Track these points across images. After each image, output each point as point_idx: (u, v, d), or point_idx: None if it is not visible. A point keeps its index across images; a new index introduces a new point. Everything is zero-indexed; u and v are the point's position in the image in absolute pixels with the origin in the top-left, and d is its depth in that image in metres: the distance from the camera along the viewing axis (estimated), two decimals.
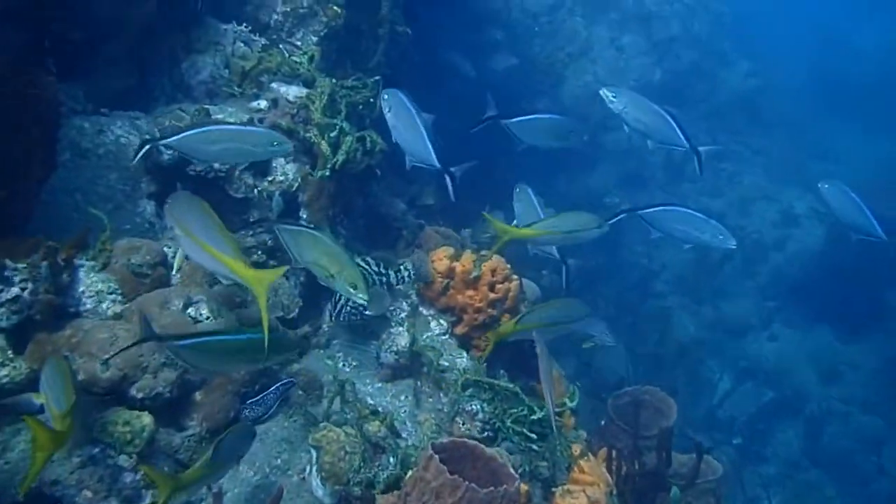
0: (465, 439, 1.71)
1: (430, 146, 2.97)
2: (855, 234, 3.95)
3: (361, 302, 2.40)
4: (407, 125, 3.02)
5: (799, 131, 9.58)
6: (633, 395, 3.63)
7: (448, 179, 2.98)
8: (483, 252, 3.40)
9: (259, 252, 3.34)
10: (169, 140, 2.59)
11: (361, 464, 2.19)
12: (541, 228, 3.02)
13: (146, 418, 2.23)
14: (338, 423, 2.33)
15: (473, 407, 2.67)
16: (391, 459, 2.24)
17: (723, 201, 8.58)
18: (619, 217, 3.46)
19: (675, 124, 3.41)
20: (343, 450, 2.20)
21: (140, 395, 2.30)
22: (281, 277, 3.26)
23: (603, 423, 3.62)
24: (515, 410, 2.66)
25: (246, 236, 3.36)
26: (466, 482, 1.55)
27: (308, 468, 2.33)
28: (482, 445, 1.70)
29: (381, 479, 2.17)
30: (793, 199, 8.25)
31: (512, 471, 1.64)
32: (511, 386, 2.77)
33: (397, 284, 3.24)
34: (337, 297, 3.10)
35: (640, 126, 3.52)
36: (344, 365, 3.17)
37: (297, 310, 3.22)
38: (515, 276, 3.44)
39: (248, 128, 2.75)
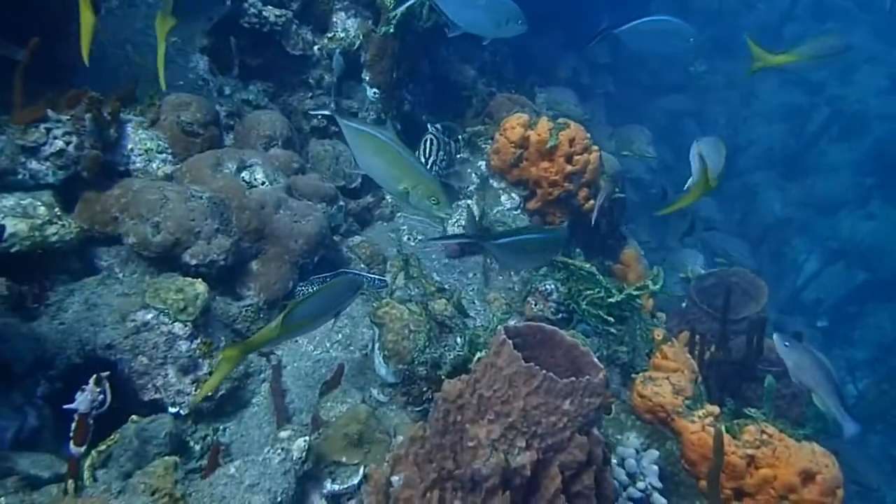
0: (543, 324, 1.51)
1: None
2: None
3: (444, 217, 2.19)
4: None
5: None
6: (719, 276, 3.34)
7: None
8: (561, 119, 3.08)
9: (319, 118, 3.16)
10: None
11: (426, 343, 2.03)
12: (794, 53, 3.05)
13: (200, 286, 2.08)
14: (402, 300, 2.16)
15: (547, 287, 2.46)
16: (458, 340, 2.07)
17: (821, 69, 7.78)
18: None
19: None
20: (407, 328, 2.03)
21: (194, 262, 2.18)
22: (343, 145, 3.06)
23: (684, 305, 3.37)
24: (591, 292, 2.44)
25: (304, 99, 3.17)
26: (543, 371, 1.36)
27: (370, 345, 2.19)
28: (562, 331, 1.49)
29: (448, 361, 2.01)
30: None
31: (596, 360, 1.43)
32: (587, 266, 2.53)
33: (457, 154, 2.99)
34: None
35: None
36: (409, 238, 3.00)
37: (359, 179, 3.03)
38: (596, 147, 3.12)
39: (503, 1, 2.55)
